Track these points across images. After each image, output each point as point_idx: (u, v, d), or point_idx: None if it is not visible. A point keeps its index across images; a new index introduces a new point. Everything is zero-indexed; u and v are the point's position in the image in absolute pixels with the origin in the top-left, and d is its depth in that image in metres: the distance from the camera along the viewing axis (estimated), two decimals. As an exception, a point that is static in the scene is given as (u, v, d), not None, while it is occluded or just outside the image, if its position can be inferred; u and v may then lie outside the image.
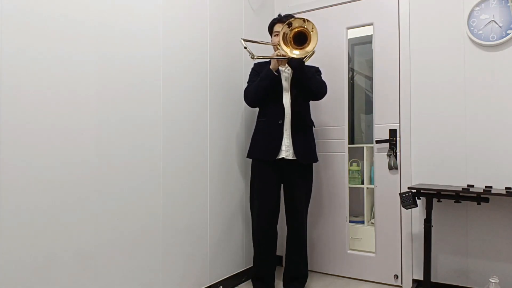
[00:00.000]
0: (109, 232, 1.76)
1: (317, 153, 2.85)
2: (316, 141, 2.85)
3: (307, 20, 2.08)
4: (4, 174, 1.39)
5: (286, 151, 2.28)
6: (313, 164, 2.85)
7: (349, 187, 2.80)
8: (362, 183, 3.10)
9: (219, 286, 2.42)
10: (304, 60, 2.21)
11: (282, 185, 2.42)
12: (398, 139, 2.53)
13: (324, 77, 2.82)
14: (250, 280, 2.66)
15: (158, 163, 2.01)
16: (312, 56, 2.83)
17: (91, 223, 1.68)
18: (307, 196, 2.41)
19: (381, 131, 2.60)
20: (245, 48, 2.12)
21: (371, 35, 2.67)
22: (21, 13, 1.44)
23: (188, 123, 2.20)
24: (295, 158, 2.29)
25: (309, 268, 2.87)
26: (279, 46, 2.15)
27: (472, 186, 2.22)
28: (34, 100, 1.48)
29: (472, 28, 2.29)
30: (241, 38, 2.18)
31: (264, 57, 2.23)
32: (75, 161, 1.62)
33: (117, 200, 1.80)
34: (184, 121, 2.17)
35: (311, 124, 2.41)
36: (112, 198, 1.78)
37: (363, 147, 3.10)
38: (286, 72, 2.35)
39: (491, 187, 2.14)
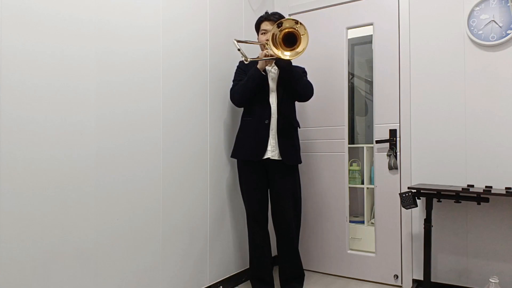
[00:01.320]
0: (109, 232, 1.76)
1: (318, 153, 2.85)
2: (316, 141, 2.85)
3: (300, 23, 2.04)
4: (3, 173, 1.39)
5: (272, 151, 2.25)
6: (315, 164, 2.86)
7: (349, 187, 2.80)
8: (362, 183, 3.10)
9: (219, 286, 2.42)
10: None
11: (268, 185, 2.39)
12: (398, 139, 2.53)
13: (324, 77, 2.82)
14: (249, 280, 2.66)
15: (158, 162, 2.01)
16: (313, 56, 2.84)
17: (91, 223, 1.68)
18: (294, 196, 2.35)
19: (381, 131, 2.60)
20: (239, 50, 2.04)
21: (371, 35, 2.67)
22: (21, 11, 1.44)
23: (188, 122, 2.20)
24: (280, 158, 2.26)
25: (309, 268, 2.87)
26: (267, 46, 2.11)
27: (472, 186, 2.22)
28: (34, 97, 1.48)
29: (472, 28, 2.29)
30: (234, 39, 2.10)
31: (257, 59, 2.17)
32: (75, 160, 1.62)
33: (116, 200, 1.80)
34: (184, 120, 2.17)
35: (297, 125, 2.38)
36: (112, 198, 1.78)
37: (363, 147, 3.10)
38: (272, 72, 2.32)
39: (491, 187, 2.14)
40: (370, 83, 2.89)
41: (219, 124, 2.44)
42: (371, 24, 2.66)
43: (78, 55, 1.63)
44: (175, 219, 2.11)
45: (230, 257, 2.53)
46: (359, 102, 3.28)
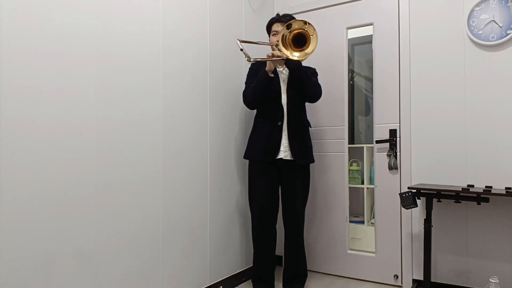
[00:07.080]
0: (109, 232, 1.76)
1: (318, 153, 2.85)
2: (316, 141, 2.85)
3: (308, 23, 2.05)
4: (3, 173, 1.39)
5: (284, 151, 2.29)
6: (313, 164, 2.86)
7: (349, 187, 2.80)
8: (362, 183, 3.10)
9: (219, 286, 2.42)
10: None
11: (279, 185, 2.42)
12: (398, 139, 2.53)
13: (324, 77, 2.82)
14: (250, 280, 2.66)
15: (158, 162, 2.01)
16: (313, 56, 2.84)
17: (91, 223, 1.68)
18: (304, 196, 2.41)
19: (381, 131, 2.60)
20: (242, 50, 2.05)
21: (371, 35, 2.67)
22: (22, 14, 1.44)
23: (188, 123, 2.20)
24: (292, 158, 2.29)
25: (309, 268, 2.87)
26: (277, 47, 2.13)
27: (472, 186, 2.22)
28: (34, 98, 1.48)
29: (472, 28, 2.29)
30: (237, 39, 2.12)
31: (261, 59, 2.19)
32: (75, 161, 1.62)
33: (116, 200, 1.80)
34: (184, 121, 2.17)
35: (308, 124, 2.41)
36: (112, 198, 1.78)
37: (363, 147, 3.10)
38: (283, 73, 2.35)
39: (491, 187, 2.14)
40: (371, 82, 2.89)
41: (219, 124, 2.44)
42: (371, 24, 2.66)
43: (78, 57, 1.63)
44: (175, 219, 2.11)
45: (230, 256, 2.54)
46: (363, 101, 3.28)
